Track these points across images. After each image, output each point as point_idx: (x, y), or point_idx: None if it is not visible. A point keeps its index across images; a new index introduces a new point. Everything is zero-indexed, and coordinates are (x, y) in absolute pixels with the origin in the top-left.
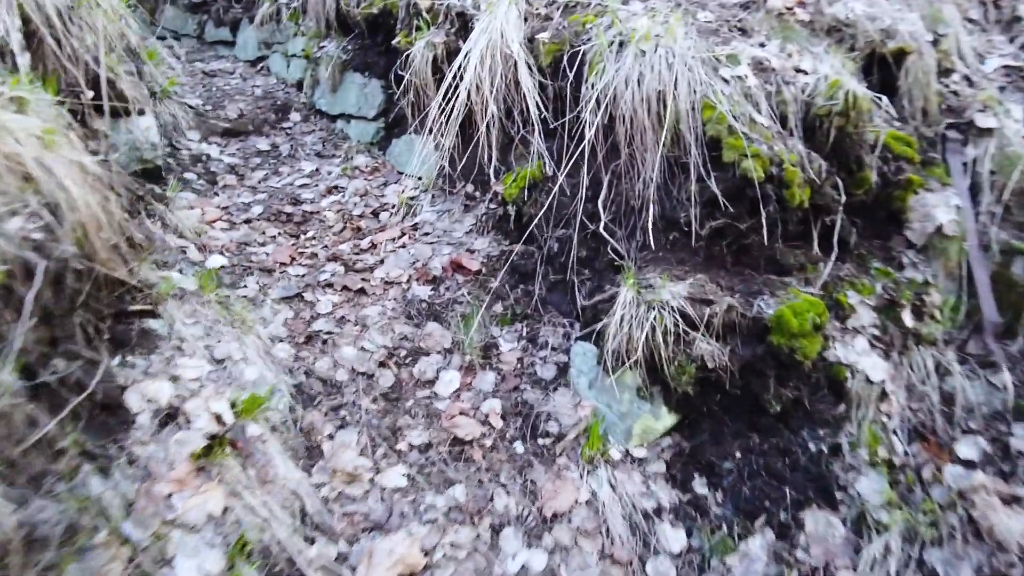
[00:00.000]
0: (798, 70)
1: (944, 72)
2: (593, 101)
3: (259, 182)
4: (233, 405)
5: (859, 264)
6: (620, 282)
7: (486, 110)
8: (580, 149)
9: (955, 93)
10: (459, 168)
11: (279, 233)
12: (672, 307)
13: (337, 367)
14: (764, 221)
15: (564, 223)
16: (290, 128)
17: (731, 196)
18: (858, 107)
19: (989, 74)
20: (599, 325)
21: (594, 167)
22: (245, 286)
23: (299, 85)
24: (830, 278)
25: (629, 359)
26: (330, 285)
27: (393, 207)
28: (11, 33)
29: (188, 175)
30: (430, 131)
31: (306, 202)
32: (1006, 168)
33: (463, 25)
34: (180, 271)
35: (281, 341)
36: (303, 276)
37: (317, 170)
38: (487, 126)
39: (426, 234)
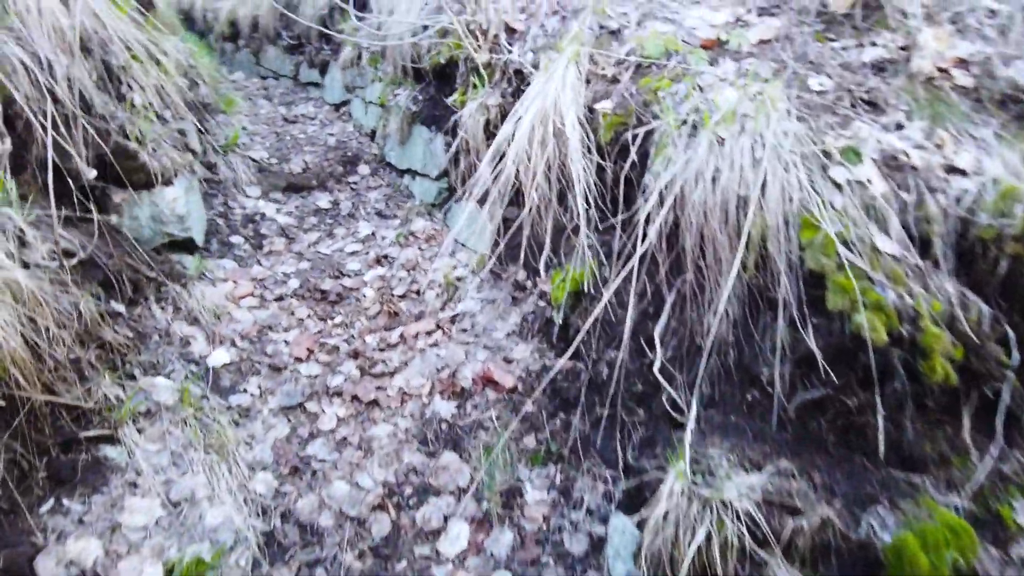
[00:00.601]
0: (951, 169)
1: None
2: (655, 196)
3: (309, 246)
4: (170, 571)
5: None
6: (674, 442)
7: (535, 189)
8: (639, 255)
9: None
10: (511, 248)
11: (308, 315)
12: (738, 512)
13: (323, 508)
14: (883, 402)
15: (617, 343)
16: (356, 183)
17: (836, 358)
18: None
19: None
20: (642, 508)
21: (655, 280)
22: (244, 390)
23: (373, 134)
24: (988, 480)
25: (674, 570)
26: (340, 394)
27: (440, 286)
28: None
29: (235, 238)
30: (482, 201)
31: (349, 274)
32: None
33: (520, 85)
34: (169, 375)
35: (264, 470)
36: (315, 378)
37: (372, 234)
38: (537, 209)
39: (464, 330)
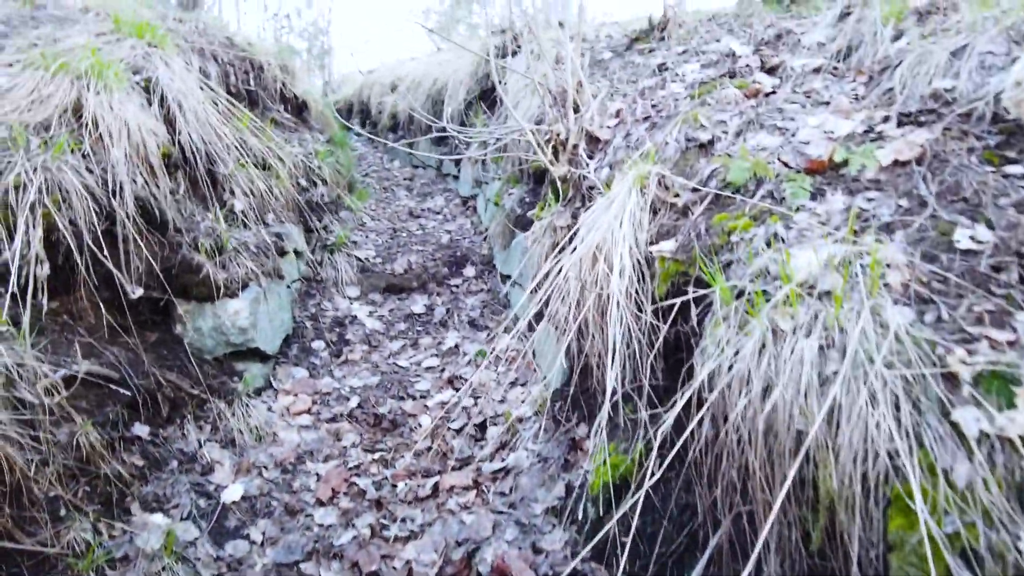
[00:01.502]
0: None
1: None
2: (693, 392)
3: (389, 356)
4: None
5: None
6: None
7: (589, 338)
8: (683, 463)
9: None
10: (584, 391)
11: (354, 443)
12: None
13: None
14: None
15: (658, 568)
16: (458, 286)
17: None
18: None
19: None
20: None
21: (705, 503)
22: (247, 535)
23: (487, 234)
24: None
25: None
26: (341, 556)
27: (500, 425)
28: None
29: (317, 343)
30: (560, 329)
31: (415, 395)
32: None
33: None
34: (170, 511)
35: None
36: (326, 529)
37: (456, 347)
38: (592, 363)
39: (502, 493)
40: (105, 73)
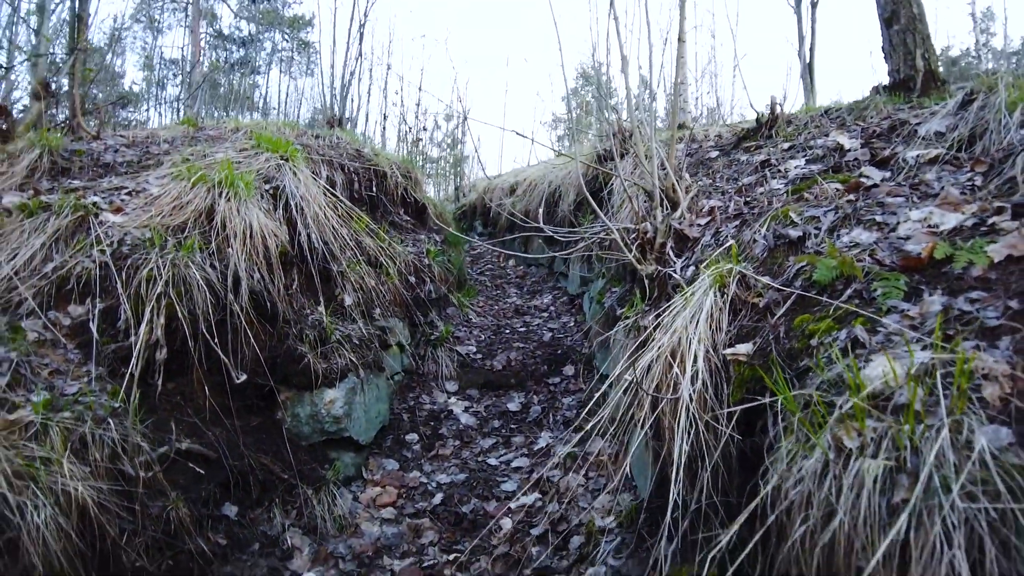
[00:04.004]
0: None
1: None
2: (758, 512)
3: (479, 453)
4: None
5: None
6: None
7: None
8: None
9: None
10: (662, 509)
11: (429, 543)
12: None
13: None
14: None
15: None
16: (556, 384)
17: None
18: None
19: None
20: None
21: None
22: None
23: (588, 333)
24: None
25: None
26: None
27: (583, 534)
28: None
29: (411, 436)
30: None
31: (499, 496)
32: None
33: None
34: None
35: None
36: None
37: (548, 447)
38: (670, 475)
39: None
40: (236, 183)
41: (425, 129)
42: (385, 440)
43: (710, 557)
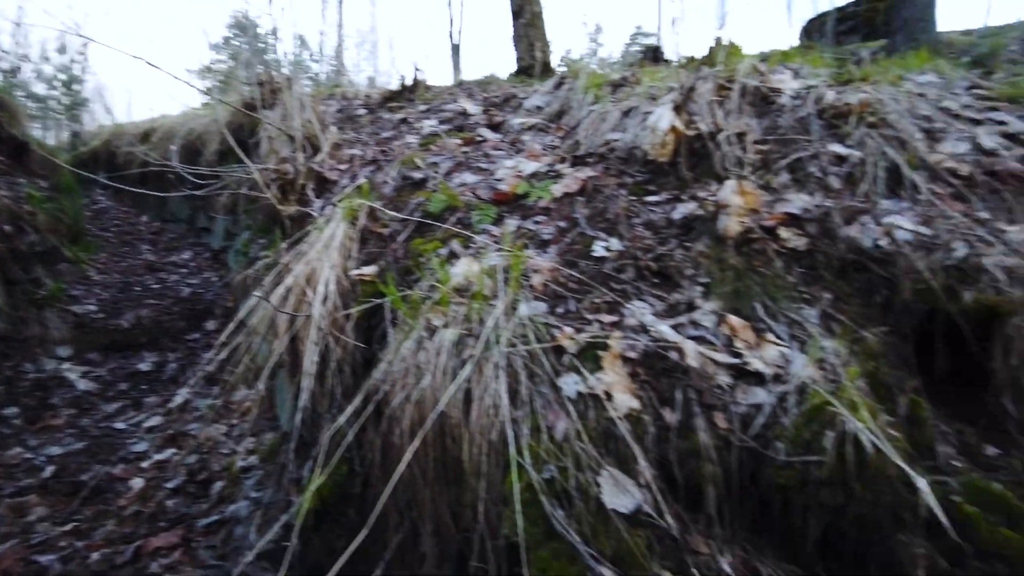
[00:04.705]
0: (742, 373)
1: None
2: (361, 398)
3: (100, 421)
4: None
5: None
6: None
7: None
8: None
9: None
10: (305, 437)
11: (38, 519)
12: None
13: None
14: None
15: None
16: (196, 340)
17: None
18: (873, 468)
19: None
20: None
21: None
22: None
23: (232, 285)
24: None
25: None
26: None
27: (227, 477)
28: None
29: (9, 410)
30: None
31: (128, 459)
32: None
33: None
34: None
35: None
36: None
37: (187, 403)
38: (305, 378)
39: (213, 547)
40: None
41: (27, 58)
42: None
43: (329, 434)
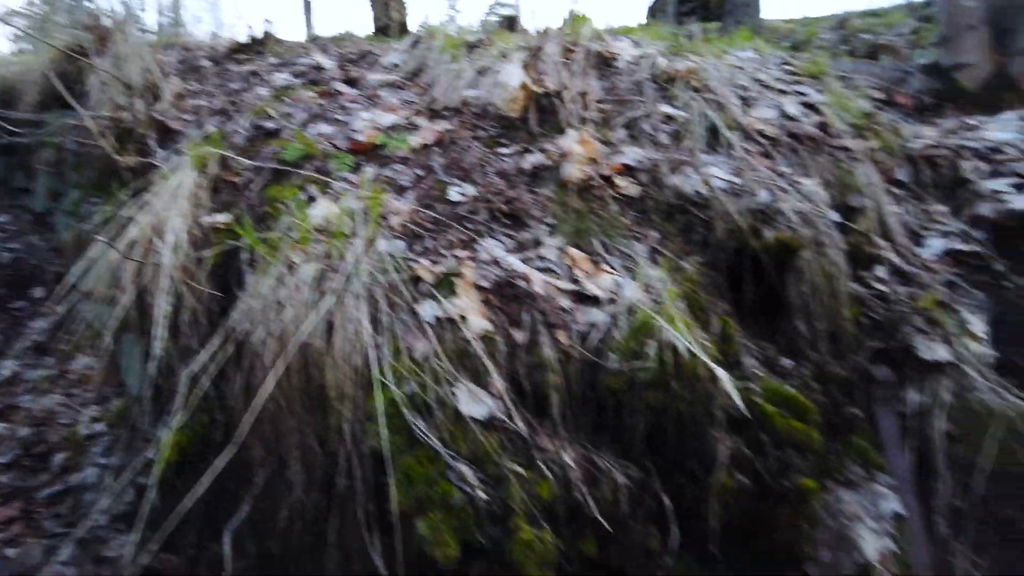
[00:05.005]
0: (581, 297)
1: (864, 263)
2: (222, 336)
3: None
4: None
5: None
6: None
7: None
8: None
9: (881, 298)
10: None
11: None
12: None
13: None
14: None
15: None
16: (22, 308)
17: None
18: (687, 370)
19: (931, 262)
20: None
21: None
22: None
23: (62, 248)
24: None
25: None
26: None
27: (70, 447)
28: None
29: None
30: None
31: None
32: (971, 431)
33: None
34: None
35: None
36: None
37: (14, 376)
38: (156, 327)
39: (58, 516)
40: None
41: None
42: None
43: (187, 375)
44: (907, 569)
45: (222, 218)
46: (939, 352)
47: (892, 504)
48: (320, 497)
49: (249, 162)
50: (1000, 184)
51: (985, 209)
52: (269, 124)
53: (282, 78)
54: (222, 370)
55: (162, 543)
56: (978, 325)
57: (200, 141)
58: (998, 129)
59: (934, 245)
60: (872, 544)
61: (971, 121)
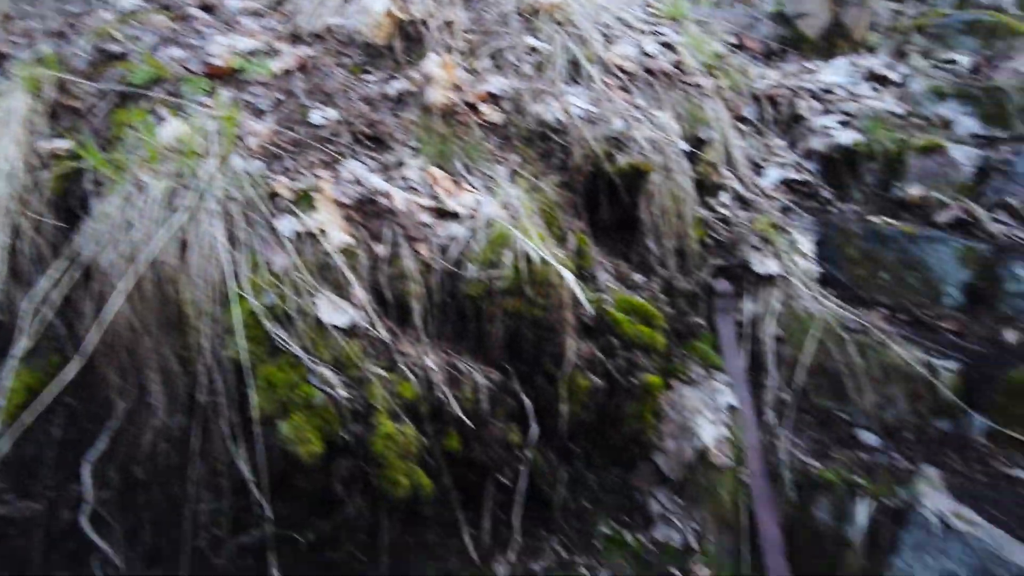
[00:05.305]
0: (441, 213)
1: (710, 189)
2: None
3: None
4: None
5: (579, 530)
6: None
7: None
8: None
9: (724, 221)
10: None
11: None
12: None
13: None
14: (348, 534)
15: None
16: None
17: (282, 481)
18: (541, 277)
19: (769, 190)
20: None
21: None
22: None
23: None
24: None
25: None
26: None
27: None
28: None
29: None
30: None
31: None
32: (796, 334)
33: None
34: None
35: None
36: None
37: None
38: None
39: None
40: None
41: None
42: None
43: (27, 305)
44: (739, 452)
45: (63, 144)
46: (771, 267)
47: (728, 398)
48: (184, 417)
49: (91, 84)
50: (829, 121)
51: (816, 143)
52: (114, 47)
53: (130, 4)
54: (70, 299)
55: (19, 490)
56: (806, 244)
57: (32, 63)
58: (831, 73)
59: (772, 175)
60: (710, 432)
61: (809, 65)
